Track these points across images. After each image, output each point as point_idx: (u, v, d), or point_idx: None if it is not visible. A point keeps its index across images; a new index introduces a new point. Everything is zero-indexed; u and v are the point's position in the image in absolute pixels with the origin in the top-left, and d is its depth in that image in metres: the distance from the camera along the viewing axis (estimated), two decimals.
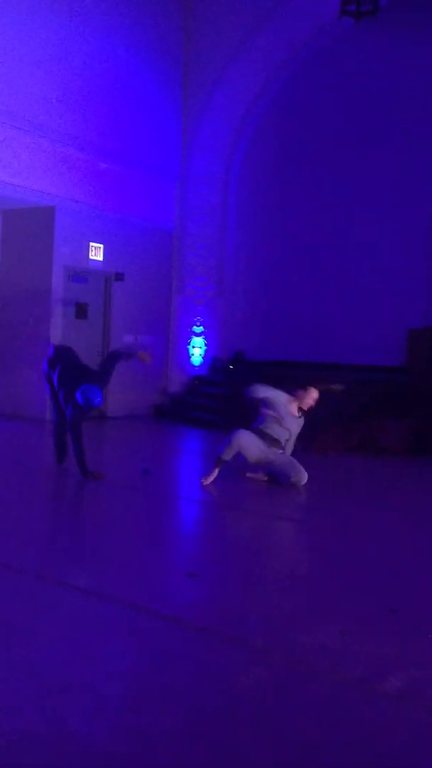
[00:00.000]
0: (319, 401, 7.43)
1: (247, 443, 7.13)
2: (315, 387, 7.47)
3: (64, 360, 7.35)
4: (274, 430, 7.26)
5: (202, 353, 13.45)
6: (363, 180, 14.46)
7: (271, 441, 7.25)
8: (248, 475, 7.53)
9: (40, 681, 2.95)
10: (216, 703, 2.87)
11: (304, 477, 7.20)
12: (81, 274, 11.91)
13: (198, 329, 13.47)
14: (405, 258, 14.29)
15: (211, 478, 7.08)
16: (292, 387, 7.47)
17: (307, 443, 9.68)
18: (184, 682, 3.05)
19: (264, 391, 7.35)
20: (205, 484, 7.04)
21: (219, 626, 3.59)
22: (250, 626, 3.61)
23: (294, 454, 7.50)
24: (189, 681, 3.06)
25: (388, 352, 13.83)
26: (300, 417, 7.41)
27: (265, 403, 7.32)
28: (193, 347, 13.44)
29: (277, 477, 7.33)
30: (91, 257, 12.02)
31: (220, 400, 12.37)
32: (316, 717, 2.77)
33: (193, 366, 13.45)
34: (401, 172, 14.20)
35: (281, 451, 7.32)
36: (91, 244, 11.99)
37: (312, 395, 7.39)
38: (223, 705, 2.85)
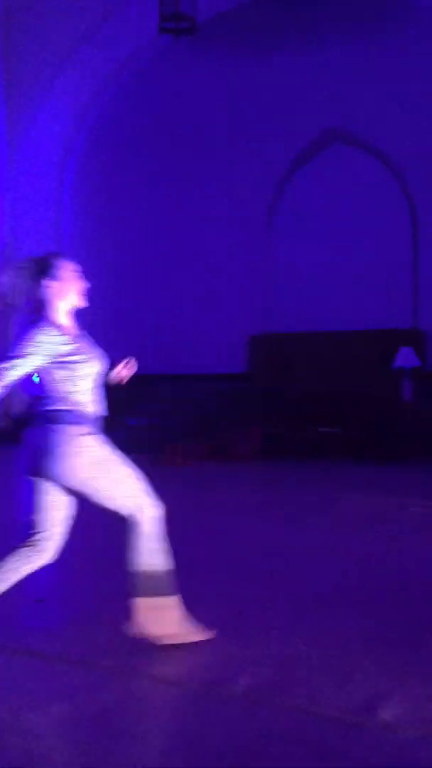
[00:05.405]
0: None
1: None
2: None
3: None
4: None
5: None
6: (195, 191, 14.67)
7: None
8: None
9: None
10: None
11: None
12: None
13: None
14: (242, 265, 14.56)
15: None
16: None
17: (156, 455, 9.72)
18: None
19: None
20: None
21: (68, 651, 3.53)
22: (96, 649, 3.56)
23: None
24: None
25: (231, 360, 14.12)
26: None
27: None
28: None
29: None
30: None
31: None
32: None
33: None
34: (232, 182, 14.48)
35: None
36: None
37: None
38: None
